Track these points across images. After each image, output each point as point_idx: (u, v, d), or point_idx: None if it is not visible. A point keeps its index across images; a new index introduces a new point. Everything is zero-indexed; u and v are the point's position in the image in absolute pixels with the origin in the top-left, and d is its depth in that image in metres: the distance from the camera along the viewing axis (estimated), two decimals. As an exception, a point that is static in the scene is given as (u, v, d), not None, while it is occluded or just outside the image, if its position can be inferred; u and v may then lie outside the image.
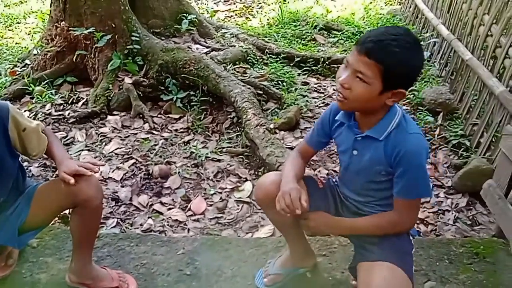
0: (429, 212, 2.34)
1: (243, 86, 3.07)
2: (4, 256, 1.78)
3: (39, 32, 4.50)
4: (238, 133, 2.99)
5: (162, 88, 3.33)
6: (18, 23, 4.96)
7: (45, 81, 3.42)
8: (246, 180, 2.61)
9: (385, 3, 5.42)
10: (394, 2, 5.40)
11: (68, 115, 3.13)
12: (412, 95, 3.24)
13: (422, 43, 3.95)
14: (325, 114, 1.57)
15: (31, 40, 4.43)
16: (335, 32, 4.46)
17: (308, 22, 4.58)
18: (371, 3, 5.33)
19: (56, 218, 2.14)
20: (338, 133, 1.53)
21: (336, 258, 1.91)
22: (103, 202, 1.72)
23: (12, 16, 5.07)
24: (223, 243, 2.04)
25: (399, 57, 1.23)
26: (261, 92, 3.19)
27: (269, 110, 3.15)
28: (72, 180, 1.44)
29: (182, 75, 3.24)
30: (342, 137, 1.51)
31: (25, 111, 3.18)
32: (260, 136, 2.66)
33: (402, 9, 4.93)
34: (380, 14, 4.96)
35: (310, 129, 1.83)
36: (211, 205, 2.44)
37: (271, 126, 2.87)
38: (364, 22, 4.75)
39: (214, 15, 5.01)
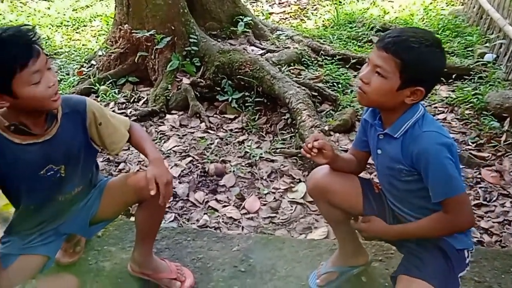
0: (493, 222, 2.23)
1: (297, 87, 3.08)
2: (72, 244, 1.90)
3: (103, 34, 4.75)
4: (292, 134, 3.00)
5: (218, 88, 3.41)
6: (84, 26, 5.25)
7: (109, 81, 3.61)
8: (300, 181, 2.61)
9: (446, 3, 5.22)
10: (456, 2, 5.18)
11: (130, 113, 3.28)
12: (476, 99, 3.10)
13: (487, 45, 3.82)
14: (364, 114, 1.57)
15: (96, 42, 4.68)
16: (392, 33, 4.34)
17: (365, 23, 4.50)
18: (431, 3, 5.15)
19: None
20: (368, 133, 1.53)
21: (392, 264, 1.87)
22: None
23: (79, 20, 5.38)
24: (277, 242, 2.05)
25: (417, 53, 1.25)
26: (315, 94, 3.18)
27: (324, 112, 3.13)
28: (152, 192, 1.46)
29: (238, 76, 3.29)
30: (370, 137, 1.52)
31: (90, 109, 3.37)
32: (315, 137, 2.65)
33: (464, 9, 4.73)
34: (441, 15, 4.78)
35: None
36: (264, 205, 2.47)
37: (326, 128, 2.86)
38: (424, 23, 4.60)
39: (269, 17, 5.05)
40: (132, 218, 2.27)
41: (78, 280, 1.57)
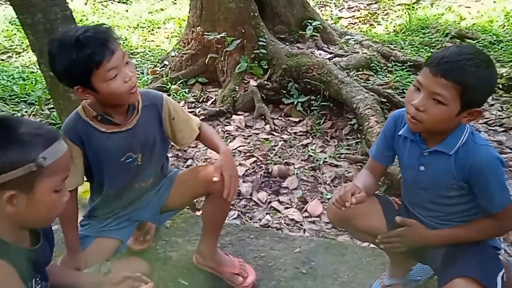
0: None
1: (366, 92, 3.03)
2: (143, 232, 2.01)
3: (176, 36, 4.97)
4: (357, 140, 2.95)
5: (284, 91, 3.44)
6: (158, 28, 5.52)
7: (180, 81, 3.76)
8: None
9: (530, 9, 4.88)
10: (542, 8, 4.84)
11: (199, 112, 3.40)
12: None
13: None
14: (388, 127, 1.53)
15: (169, 43, 4.90)
16: (469, 40, 4.15)
17: (439, 29, 4.33)
18: (513, 9, 4.85)
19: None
20: (401, 147, 1.49)
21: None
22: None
23: (154, 22, 5.66)
24: (339, 247, 2.03)
25: (477, 76, 1.23)
26: (384, 100, 3.11)
27: (392, 119, 3.05)
28: (215, 178, 1.54)
29: (305, 80, 3.30)
30: (406, 152, 1.48)
31: (162, 106, 3.53)
32: (382, 144, 2.59)
33: (551, 16, 4.41)
34: (524, 21, 4.49)
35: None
36: (327, 209, 2.45)
37: (394, 135, 2.78)
38: (504, 31, 4.34)
39: (338, 21, 5.01)
40: (198, 212, 2.36)
41: (149, 265, 1.65)
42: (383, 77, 3.52)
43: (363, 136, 2.84)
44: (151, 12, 6.10)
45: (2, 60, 4.59)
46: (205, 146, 2.97)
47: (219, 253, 1.87)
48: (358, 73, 3.49)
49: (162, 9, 6.22)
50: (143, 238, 2.01)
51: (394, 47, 4.05)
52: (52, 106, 3.43)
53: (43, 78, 2.82)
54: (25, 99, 3.68)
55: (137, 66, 4.39)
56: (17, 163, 0.99)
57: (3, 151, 0.99)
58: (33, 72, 4.14)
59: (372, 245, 2.11)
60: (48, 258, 1.23)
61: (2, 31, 5.14)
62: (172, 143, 1.77)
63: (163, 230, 2.13)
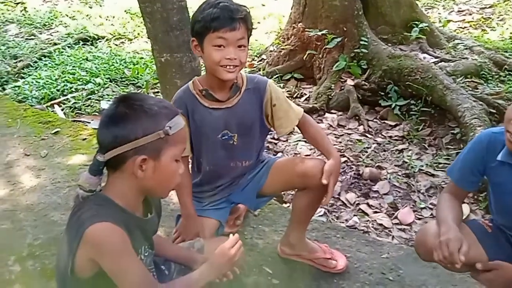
0: None
1: (473, 101, 2.83)
2: (233, 216, 2.09)
3: (275, 31, 5.04)
4: (459, 151, 2.77)
5: (382, 93, 3.33)
6: (258, 23, 5.63)
7: (276, 75, 3.81)
8: (463, 202, 2.40)
9: None
10: None
11: (292, 107, 3.42)
12: None
13: None
14: (477, 150, 1.42)
15: (268, 38, 4.99)
16: None
17: None
18: None
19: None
20: (500, 174, 1.38)
21: None
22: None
23: (254, 17, 5.79)
24: (431, 259, 1.93)
25: None
26: (493, 111, 2.88)
27: (501, 132, 2.81)
28: (325, 181, 1.58)
29: (406, 83, 3.17)
30: (506, 178, 1.36)
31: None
32: (488, 157, 2.40)
33: None
34: None
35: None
36: (419, 219, 2.34)
37: (502, 149, 2.57)
38: None
39: (447, 24, 4.72)
40: (285, 205, 2.39)
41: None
42: (493, 87, 3.27)
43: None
44: (253, 7, 6.25)
45: (116, 45, 5.01)
46: (295, 141, 3.03)
47: (308, 242, 1.90)
48: (466, 80, 3.26)
49: (263, 5, 6.35)
50: (233, 222, 2.09)
51: (510, 55, 3.72)
52: (157, 90, 3.68)
53: (154, 63, 3.04)
54: (133, 82, 3.99)
55: (236, 58, 4.53)
56: (148, 130, 1.10)
57: (138, 120, 1.11)
58: (142, 57, 4.47)
59: (468, 263, 1.99)
60: (156, 228, 1.34)
61: (118, 19, 5.61)
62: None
63: (251, 217, 2.19)
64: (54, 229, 2.15)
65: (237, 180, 1.81)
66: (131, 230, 1.14)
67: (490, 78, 3.37)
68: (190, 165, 1.85)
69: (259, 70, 3.95)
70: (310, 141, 1.77)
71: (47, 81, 3.94)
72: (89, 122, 3.33)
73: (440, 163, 2.72)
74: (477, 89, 3.15)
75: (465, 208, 2.34)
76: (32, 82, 3.95)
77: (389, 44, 3.77)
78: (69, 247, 1.10)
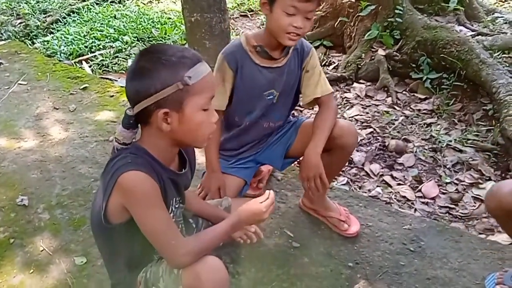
0: None
1: (510, 77, 2.72)
2: (257, 179, 2.10)
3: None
4: (490, 128, 2.70)
5: (413, 65, 3.24)
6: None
7: (305, 41, 3.74)
8: (489, 179, 2.37)
9: None
10: None
11: (320, 75, 3.37)
12: None
13: None
14: None
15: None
16: None
17: None
18: None
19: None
20: None
21: None
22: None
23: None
24: (454, 233, 1.92)
25: None
26: (530, 89, 2.77)
27: (536, 111, 2.72)
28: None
29: (440, 55, 3.07)
30: None
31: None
32: (521, 135, 2.34)
33: None
34: None
35: None
36: (444, 193, 2.32)
37: (535, 128, 2.49)
38: None
39: (486, -3, 4.50)
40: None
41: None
42: (532, 63, 3.13)
43: (498, 124, 2.59)
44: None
45: (144, 4, 4.97)
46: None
47: (327, 200, 1.91)
48: (503, 55, 3.13)
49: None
50: (256, 184, 2.10)
51: (552, 31, 3.55)
52: (184, 51, 3.66)
53: (183, 23, 3.01)
54: (161, 41, 3.97)
55: (264, 23, 4.45)
56: (166, 82, 1.07)
57: (155, 73, 1.08)
58: (170, 18, 4.43)
59: (491, 238, 1.98)
60: (189, 183, 1.36)
61: (146, -22, 5.55)
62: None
63: (274, 181, 2.20)
64: (82, 181, 2.21)
65: (265, 138, 1.83)
66: (163, 182, 1.15)
67: (530, 54, 3.22)
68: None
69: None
70: (314, 123, 1.71)
71: (75, 37, 3.96)
72: (116, 80, 3.35)
73: (468, 139, 2.66)
74: (515, 65, 3.03)
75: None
76: (61, 38, 3.98)
77: (425, 15, 3.64)
78: (103, 192, 1.13)
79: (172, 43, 3.86)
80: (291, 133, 1.82)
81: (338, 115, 1.80)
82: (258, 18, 4.59)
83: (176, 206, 1.25)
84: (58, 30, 4.20)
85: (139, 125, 1.17)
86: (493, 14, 3.79)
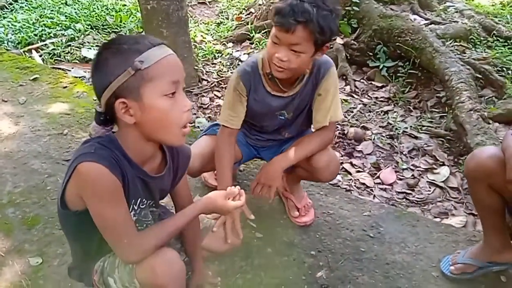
0: None
1: (461, 65, 2.83)
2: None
3: (264, -16, 4.86)
4: (443, 114, 2.80)
5: (370, 54, 3.30)
6: (247, -26, 5.43)
7: (264, 30, 3.72)
8: (443, 164, 2.46)
9: None
10: None
11: (280, 64, 3.36)
12: None
13: None
14: None
15: (256, -9, 4.82)
16: None
17: (554, 6, 3.89)
18: None
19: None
20: None
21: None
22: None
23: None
24: (411, 218, 1.99)
25: None
26: (479, 76, 2.90)
27: (485, 98, 2.85)
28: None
29: (396, 44, 3.14)
30: None
31: (244, 54, 3.54)
32: (472, 122, 2.44)
33: None
34: None
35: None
36: (400, 179, 2.39)
37: (485, 114, 2.60)
38: None
39: (439, -14, 4.64)
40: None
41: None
42: (481, 52, 3.27)
43: (450, 111, 2.69)
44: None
45: (97, -10, 4.77)
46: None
47: (298, 186, 1.95)
48: (455, 44, 3.25)
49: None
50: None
51: (499, 20, 3.71)
52: (141, 40, 3.55)
53: (139, 11, 2.91)
54: (116, 30, 3.83)
55: (223, 11, 4.39)
56: (118, 70, 1.01)
57: (107, 63, 1.02)
58: (125, 4, 4.28)
59: (446, 222, 2.06)
60: (167, 188, 1.28)
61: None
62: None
63: (237, 172, 2.19)
64: (35, 178, 2.11)
65: (275, 142, 1.84)
66: (128, 179, 1.10)
67: (478, 43, 3.36)
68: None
69: (247, 24, 3.84)
70: (301, 139, 1.71)
71: (24, 24, 3.75)
72: (70, 70, 3.21)
73: (423, 126, 2.75)
74: (465, 53, 3.14)
75: (445, 171, 2.40)
76: (8, 25, 3.76)
77: (381, 4, 3.69)
78: (64, 177, 1.08)
79: (128, 32, 3.73)
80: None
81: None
82: (216, 6, 4.52)
83: (142, 206, 1.20)
84: (4, 17, 3.96)
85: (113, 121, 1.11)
86: (445, 3, 3.91)
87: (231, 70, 3.32)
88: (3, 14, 4.05)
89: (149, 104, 1.03)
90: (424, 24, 3.44)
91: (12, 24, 3.76)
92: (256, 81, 1.61)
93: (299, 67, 1.48)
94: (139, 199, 1.18)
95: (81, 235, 1.20)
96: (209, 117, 2.83)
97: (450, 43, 3.20)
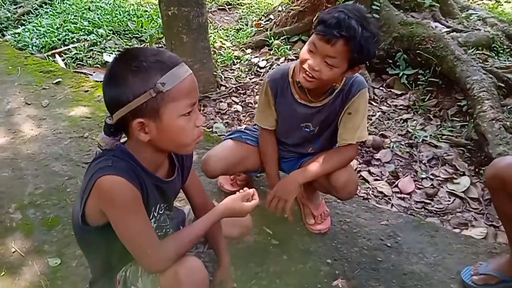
0: None
1: (483, 74, 2.78)
2: (235, 176, 2.09)
3: (284, -9, 4.88)
4: (464, 123, 2.76)
5: (390, 61, 3.27)
6: (267, -19, 5.45)
7: (283, 37, 3.73)
8: (464, 174, 2.41)
9: None
10: None
11: (298, 70, 3.36)
12: None
13: None
14: None
15: (276, -2, 4.84)
16: None
17: None
18: None
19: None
20: None
21: None
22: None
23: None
24: (429, 228, 1.96)
25: None
26: (502, 85, 2.84)
27: (507, 107, 2.79)
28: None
29: (416, 51, 3.10)
30: None
31: (262, 60, 3.55)
32: (494, 131, 2.39)
33: None
34: None
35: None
36: (419, 188, 2.35)
37: (508, 124, 2.55)
38: None
39: (460, -6, 4.58)
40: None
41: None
42: (504, 60, 3.20)
43: (471, 120, 2.64)
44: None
45: (120, -4, 4.86)
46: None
47: (316, 193, 1.95)
48: (477, 52, 3.20)
49: (272, -37, 6.12)
50: (234, 181, 2.10)
51: (523, 28, 3.63)
52: (162, 45, 3.60)
53: (160, 17, 2.95)
54: (137, 35, 3.89)
55: (242, 17, 4.42)
56: (138, 91, 1.00)
57: (126, 81, 1.01)
58: (146, 10, 4.35)
59: (465, 233, 2.02)
60: (178, 189, 1.31)
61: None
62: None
63: (253, 178, 2.19)
64: (55, 179, 2.15)
65: (298, 155, 1.85)
66: (146, 188, 1.12)
67: (501, 51, 3.30)
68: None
69: (266, 31, 3.85)
70: (321, 155, 1.70)
71: (48, 29, 3.84)
72: (91, 74, 3.27)
73: (443, 135, 2.71)
74: (487, 61, 3.09)
75: (465, 181, 2.35)
76: (33, 30, 3.86)
77: (401, 11, 3.67)
78: (82, 194, 1.09)
79: (149, 37, 3.78)
80: None
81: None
82: (236, 12, 4.55)
83: (160, 212, 1.22)
84: (29, 22, 4.08)
85: (122, 132, 1.13)
86: (467, 10, 3.86)
87: (249, 76, 3.34)
88: (29, 19, 4.16)
89: (167, 124, 1.05)
90: (446, 31, 3.39)
91: (36, 29, 3.86)
92: (284, 87, 1.65)
93: (327, 80, 1.49)
94: (158, 205, 1.20)
95: (102, 249, 1.22)
96: (227, 122, 2.84)
97: (472, 51, 3.15)
